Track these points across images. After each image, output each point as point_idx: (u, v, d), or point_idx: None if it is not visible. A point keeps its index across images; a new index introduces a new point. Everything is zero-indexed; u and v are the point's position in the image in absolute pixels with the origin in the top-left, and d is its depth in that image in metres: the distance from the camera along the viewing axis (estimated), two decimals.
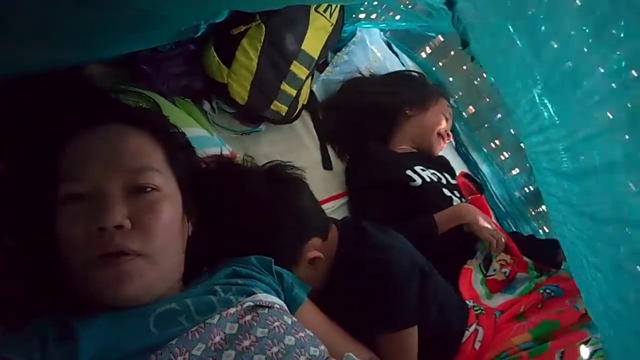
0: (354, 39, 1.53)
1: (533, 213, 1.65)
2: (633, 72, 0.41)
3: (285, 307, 0.67)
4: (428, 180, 1.26)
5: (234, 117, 1.19)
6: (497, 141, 1.73)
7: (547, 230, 1.61)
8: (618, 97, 0.44)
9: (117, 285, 0.55)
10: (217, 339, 0.55)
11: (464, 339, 0.92)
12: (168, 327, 0.55)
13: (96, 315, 0.55)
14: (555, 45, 0.50)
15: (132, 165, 0.61)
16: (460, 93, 1.75)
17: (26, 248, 0.61)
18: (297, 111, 1.26)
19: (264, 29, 1.08)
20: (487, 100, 1.71)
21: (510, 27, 0.57)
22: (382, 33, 1.65)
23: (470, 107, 1.76)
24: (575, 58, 0.49)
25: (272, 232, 0.79)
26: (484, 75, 1.69)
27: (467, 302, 1.02)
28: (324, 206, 1.10)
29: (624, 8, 0.40)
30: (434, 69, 1.72)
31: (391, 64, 1.60)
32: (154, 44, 0.89)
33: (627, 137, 0.43)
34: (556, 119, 0.55)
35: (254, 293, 0.64)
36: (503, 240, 1.14)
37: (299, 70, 1.17)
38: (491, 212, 1.48)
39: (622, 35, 0.41)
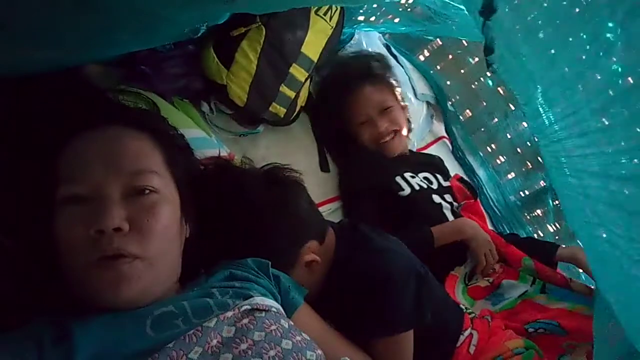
0: (351, 41, 1.53)
1: (528, 217, 1.66)
2: None
3: (282, 311, 0.67)
4: (417, 188, 1.26)
5: (232, 118, 1.19)
6: (493, 145, 1.74)
7: (541, 235, 1.62)
8: None
9: (114, 287, 0.55)
10: (214, 342, 0.55)
11: (459, 342, 0.93)
12: (165, 329, 0.55)
13: (93, 318, 0.55)
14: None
15: (132, 167, 0.61)
16: (457, 97, 1.76)
17: (24, 249, 0.61)
18: (295, 113, 1.26)
19: (264, 31, 1.08)
20: (484, 104, 1.72)
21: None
22: (381, 36, 1.65)
23: (467, 110, 1.77)
24: None
25: (269, 234, 0.78)
26: (482, 79, 1.70)
27: (461, 305, 1.03)
28: (321, 209, 1.10)
29: None
30: (432, 72, 1.73)
31: None
32: (154, 44, 0.89)
33: None
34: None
35: (251, 296, 0.63)
36: (493, 267, 1.15)
37: (298, 72, 1.18)
38: (486, 216, 1.49)
39: None
